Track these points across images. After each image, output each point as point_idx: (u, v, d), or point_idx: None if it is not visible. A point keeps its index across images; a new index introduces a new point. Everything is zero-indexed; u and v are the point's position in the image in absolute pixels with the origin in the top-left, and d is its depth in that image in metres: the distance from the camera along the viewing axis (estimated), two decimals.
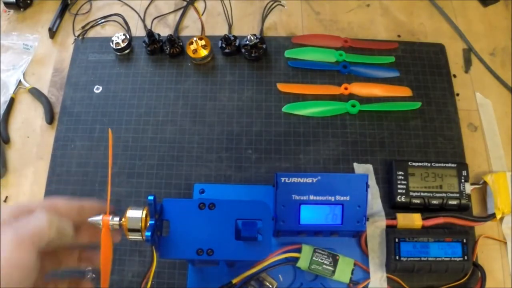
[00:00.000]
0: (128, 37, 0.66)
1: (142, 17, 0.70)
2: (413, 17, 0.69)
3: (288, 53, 0.65)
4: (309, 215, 0.49)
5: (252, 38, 0.63)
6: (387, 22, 0.69)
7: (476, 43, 0.67)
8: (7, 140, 0.62)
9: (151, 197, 0.37)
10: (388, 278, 0.52)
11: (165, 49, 0.65)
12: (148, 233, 0.36)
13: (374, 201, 0.55)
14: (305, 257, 0.51)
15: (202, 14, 0.69)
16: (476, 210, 0.57)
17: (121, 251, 0.55)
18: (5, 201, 0.59)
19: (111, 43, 0.65)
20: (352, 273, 0.50)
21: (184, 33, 0.69)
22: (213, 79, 0.64)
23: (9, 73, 0.66)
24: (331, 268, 0.50)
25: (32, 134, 0.63)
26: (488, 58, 0.66)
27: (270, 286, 0.50)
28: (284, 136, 0.60)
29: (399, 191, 0.55)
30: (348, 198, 0.49)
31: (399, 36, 0.68)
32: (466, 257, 0.50)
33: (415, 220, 0.53)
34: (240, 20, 0.69)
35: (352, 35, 0.67)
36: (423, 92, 0.63)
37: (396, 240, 0.51)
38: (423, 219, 0.53)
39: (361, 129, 0.61)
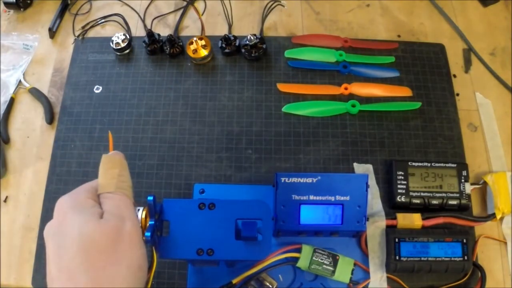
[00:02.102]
0: (128, 37, 0.66)
1: (142, 17, 0.70)
2: (413, 17, 0.69)
3: (288, 53, 0.65)
4: (309, 215, 0.49)
5: (252, 38, 0.63)
6: (387, 22, 0.69)
7: (476, 43, 0.67)
8: (7, 140, 0.62)
9: (150, 197, 0.37)
10: (388, 278, 0.52)
11: (165, 49, 0.65)
12: (148, 233, 0.36)
13: (374, 201, 0.55)
14: (305, 257, 0.51)
15: (202, 14, 0.69)
16: (476, 210, 0.57)
17: None
18: (5, 201, 0.59)
19: (111, 43, 0.65)
20: (352, 273, 0.50)
21: (184, 33, 0.69)
22: (213, 79, 0.64)
23: (9, 73, 0.66)
24: (331, 268, 0.50)
25: (32, 134, 0.63)
26: (488, 58, 0.66)
27: (270, 286, 0.50)
28: (284, 136, 0.60)
29: (399, 191, 0.55)
30: (348, 198, 0.49)
31: (399, 36, 0.68)
32: (466, 257, 0.50)
33: (415, 220, 0.53)
34: (240, 20, 0.69)
35: (352, 35, 0.67)
36: (423, 92, 0.63)
37: (396, 240, 0.51)
38: (423, 219, 0.53)
39: (361, 129, 0.61)
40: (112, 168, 0.36)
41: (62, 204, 0.33)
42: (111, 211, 0.33)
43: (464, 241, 0.51)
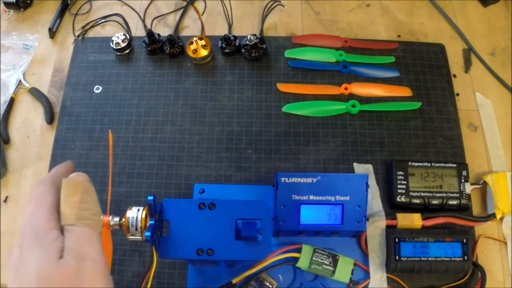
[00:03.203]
0: (128, 37, 0.66)
1: (142, 17, 0.70)
2: (413, 17, 0.69)
3: (288, 53, 0.65)
4: (309, 215, 0.49)
5: (252, 38, 0.63)
6: (387, 22, 0.69)
7: (476, 43, 0.67)
8: (7, 140, 0.62)
9: (150, 197, 0.37)
10: (388, 278, 0.52)
11: (165, 49, 0.65)
12: (148, 233, 0.36)
13: (374, 201, 0.55)
14: (305, 257, 0.51)
15: (202, 14, 0.69)
16: (476, 210, 0.57)
17: (121, 251, 0.55)
18: (5, 201, 0.59)
19: (111, 43, 0.65)
20: (352, 273, 0.50)
21: (184, 33, 0.69)
22: (213, 79, 0.64)
23: (9, 73, 0.66)
24: (331, 268, 0.50)
25: (32, 134, 0.63)
26: (488, 58, 0.66)
27: (270, 286, 0.50)
28: (284, 136, 0.60)
29: (399, 191, 0.55)
30: (348, 198, 0.49)
31: (399, 36, 0.68)
32: (466, 257, 0.50)
33: (415, 220, 0.53)
34: (240, 20, 0.69)
35: (352, 35, 0.67)
36: (423, 92, 0.63)
37: (396, 240, 0.51)
38: (423, 219, 0.53)
39: (361, 129, 0.61)
40: (72, 196, 0.32)
41: (24, 231, 0.30)
42: (70, 248, 0.30)
43: (464, 241, 0.51)
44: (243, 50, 0.64)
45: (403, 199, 0.55)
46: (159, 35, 0.66)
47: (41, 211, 0.31)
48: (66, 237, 0.31)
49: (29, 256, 0.29)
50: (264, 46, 0.64)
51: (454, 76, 0.65)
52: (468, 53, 0.67)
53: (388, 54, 0.65)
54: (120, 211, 0.39)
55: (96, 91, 0.64)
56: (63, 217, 0.31)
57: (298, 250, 0.51)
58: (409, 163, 0.56)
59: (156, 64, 0.66)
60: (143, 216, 0.38)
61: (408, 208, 0.55)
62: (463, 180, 0.55)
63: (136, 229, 0.37)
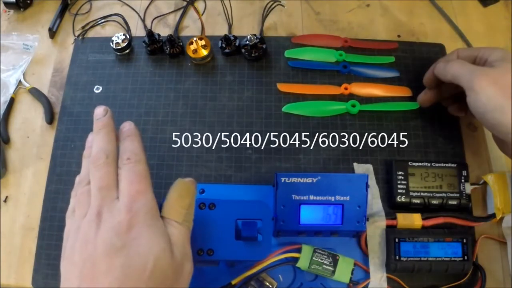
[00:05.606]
0: (128, 37, 0.66)
1: (142, 17, 0.70)
2: (413, 17, 0.69)
3: (288, 53, 0.65)
4: (309, 215, 0.49)
5: (252, 38, 0.63)
6: (387, 22, 0.69)
7: (476, 43, 0.67)
8: (7, 140, 0.62)
9: None
10: (388, 278, 0.52)
11: (165, 49, 0.65)
12: None
13: (374, 201, 0.55)
14: (305, 257, 0.51)
15: (202, 14, 0.69)
16: (476, 210, 0.57)
17: None
18: (5, 201, 0.59)
19: (111, 43, 0.65)
20: (352, 273, 0.50)
21: (184, 33, 0.69)
22: (213, 79, 0.64)
23: (9, 73, 0.66)
24: (331, 268, 0.50)
25: (32, 134, 0.63)
26: None
27: (270, 286, 0.51)
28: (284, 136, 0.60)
29: (399, 191, 0.55)
30: (348, 198, 0.49)
31: (399, 36, 0.68)
32: (466, 257, 0.50)
33: (415, 220, 0.53)
34: (240, 20, 0.69)
35: (352, 35, 0.67)
36: None
37: (396, 240, 0.51)
38: (423, 219, 0.53)
39: (361, 129, 0.61)
40: (185, 197, 0.35)
41: (140, 208, 0.31)
42: (178, 246, 0.32)
43: (464, 241, 0.51)
44: (243, 50, 0.64)
45: (403, 199, 0.55)
46: (159, 35, 0.66)
47: (149, 194, 0.32)
48: (170, 231, 0.33)
49: (145, 238, 0.30)
50: (264, 46, 0.64)
51: None
52: None
53: (388, 54, 0.65)
54: None
55: (96, 91, 0.64)
56: (169, 212, 0.34)
57: (298, 250, 0.51)
58: (409, 163, 0.56)
59: (156, 64, 0.66)
60: None
61: (408, 208, 0.55)
62: (463, 180, 0.55)
63: None
